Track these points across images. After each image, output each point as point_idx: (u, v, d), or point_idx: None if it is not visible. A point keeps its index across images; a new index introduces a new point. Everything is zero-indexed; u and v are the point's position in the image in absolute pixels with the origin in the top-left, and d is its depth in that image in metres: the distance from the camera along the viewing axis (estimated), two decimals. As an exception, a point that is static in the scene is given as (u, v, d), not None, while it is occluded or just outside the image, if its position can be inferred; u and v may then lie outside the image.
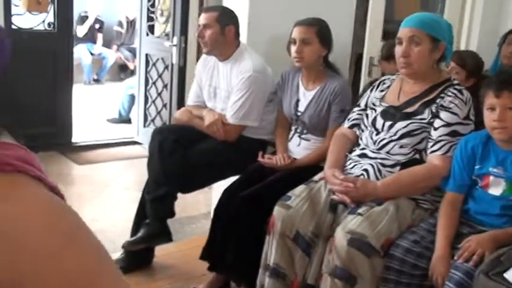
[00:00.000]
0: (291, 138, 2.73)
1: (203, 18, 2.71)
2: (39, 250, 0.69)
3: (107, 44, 8.36)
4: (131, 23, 8.46)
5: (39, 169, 0.82)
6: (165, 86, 4.72)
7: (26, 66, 4.14)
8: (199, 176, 2.71)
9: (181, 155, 2.64)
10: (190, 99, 2.96)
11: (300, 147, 2.67)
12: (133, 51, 8.51)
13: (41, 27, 4.53)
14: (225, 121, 2.72)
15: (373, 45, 3.50)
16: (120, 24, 8.41)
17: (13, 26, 4.28)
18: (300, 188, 2.24)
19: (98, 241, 0.79)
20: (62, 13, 4.58)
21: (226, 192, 2.55)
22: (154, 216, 2.60)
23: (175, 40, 4.52)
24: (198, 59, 4.75)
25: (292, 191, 2.24)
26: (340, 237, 1.95)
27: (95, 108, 6.52)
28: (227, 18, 2.71)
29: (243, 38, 2.88)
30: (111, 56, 8.30)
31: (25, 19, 4.46)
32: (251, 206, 2.38)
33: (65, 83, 4.70)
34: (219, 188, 3.10)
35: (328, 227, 2.13)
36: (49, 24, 4.55)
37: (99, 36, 8.22)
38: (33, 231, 0.70)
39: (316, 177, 2.33)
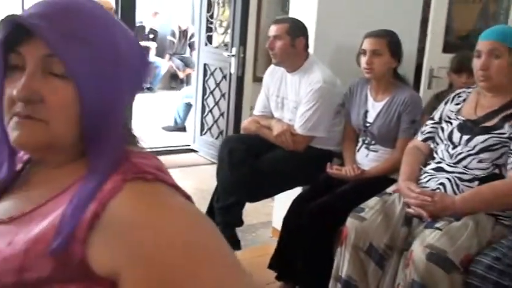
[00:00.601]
0: (359, 149, 2.72)
1: (274, 30, 2.74)
2: (176, 262, 0.72)
3: (159, 53, 8.54)
4: (183, 33, 8.62)
5: (172, 178, 0.86)
6: (223, 95, 4.78)
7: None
8: (267, 186, 2.74)
9: (250, 164, 2.68)
10: (257, 109, 3.00)
11: (368, 159, 2.67)
12: (184, 61, 8.67)
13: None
14: (294, 131, 2.74)
15: (433, 56, 3.46)
16: (173, 34, 8.57)
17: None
18: (374, 200, 2.23)
19: (232, 252, 0.81)
20: (126, 23, 4.69)
21: (296, 202, 2.56)
22: (224, 224, 2.63)
23: (234, 50, 4.58)
24: (255, 68, 4.85)
25: (365, 203, 2.23)
26: (419, 251, 1.93)
27: (149, 116, 6.65)
28: (297, 30, 2.74)
29: (310, 48, 2.90)
30: (164, 65, 8.47)
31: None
32: (321, 216, 2.38)
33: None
34: (280, 197, 3.13)
35: (403, 241, 2.12)
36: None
37: (153, 45, 8.40)
38: (173, 243, 0.73)
39: (389, 190, 2.32)
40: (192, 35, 8.66)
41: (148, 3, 8.39)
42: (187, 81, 8.60)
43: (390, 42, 2.59)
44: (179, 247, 0.73)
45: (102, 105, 0.79)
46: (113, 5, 4.47)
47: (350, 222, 2.18)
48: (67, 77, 0.77)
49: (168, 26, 8.68)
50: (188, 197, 0.84)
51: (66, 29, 0.76)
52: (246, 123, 2.98)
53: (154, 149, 5.23)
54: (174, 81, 8.86)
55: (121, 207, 0.73)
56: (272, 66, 2.92)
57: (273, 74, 2.92)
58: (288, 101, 2.84)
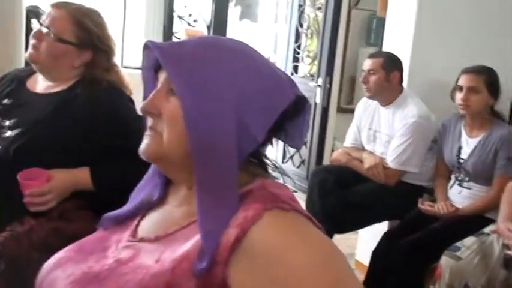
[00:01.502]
0: (451, 186, 2.67)
1: (368, 64, 2.77)
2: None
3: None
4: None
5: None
6: (307, 124, 4.81)
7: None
8: (356, 218, 2.74)
9: (339, 195, 2.70)
10: (347, 141, 3.02)
11: (461, 196, 2.61)
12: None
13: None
14: (386, 165, 2.74)
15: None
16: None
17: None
18: (470, 240, 2.19)
19: (359, 283, 0.85)
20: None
21: (386, 236, 2.55)
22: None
23: (320, 80, 4.64)
24: (339, 99, 4.88)
25: (461, 242, 2.19)
26: (520, 295, 1.88)
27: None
28: (392, 64, 2.76)
29: (404, 82, 2.90)
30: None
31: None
32: (413, 253, 2.35)
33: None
34: (365, 230, 3.11)
35: (502, 284, 2.06)
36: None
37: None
38: (308, 271, 0.77)
39: (487, 230, 2.27)
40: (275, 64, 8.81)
41: (234, 32, 8.63)
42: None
43: (488, 79, 2.56)
44: (315, 275, 0.77)
45: (204, 127, 0.82)
46: (205, 34, 4.67)
47: (445, 260, 2.15)
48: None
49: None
50: (320, 228, 0.88)
51: (182, 56, 0.84)
52: (336, 154, 3.01)
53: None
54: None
55: (261, 234, 0.78)
56: (365, 98, 2.94)
57: (366, 106, 2.94)
58: (380, 134, 2.85)
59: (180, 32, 4.50)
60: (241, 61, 0.87)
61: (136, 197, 1.00)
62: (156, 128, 0.87)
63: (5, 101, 1.75)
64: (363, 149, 2.93)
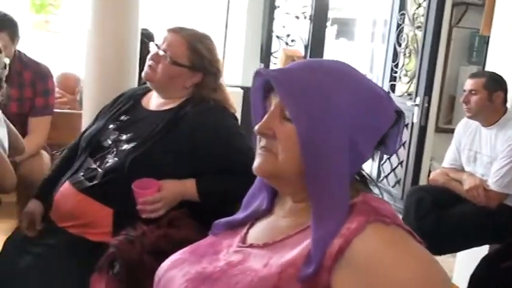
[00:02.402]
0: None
1: (470, 84, 2.73)
2: None
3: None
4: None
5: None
6: (403, 144, 4.76)
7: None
8: (454, 240, 2.69)
9: (437, 216, 2.66)
10: (446, 162, 2.97)
11: None
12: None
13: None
14: (487, 187, 2.67)
15: None
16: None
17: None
18: None
19: None
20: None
21: (485, 261, 2.48)
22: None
23: (418, 100, 4.56)
24: (437, 119, 4.77)
25: None
26: None
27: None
28: (495, 85, 2.70)
29: (508, 103, 2.81)
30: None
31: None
32: (514, 278, 2.28)
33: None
34: (463, 253, 3.02)
35: None
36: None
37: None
38: (409, 286, 0.81)
39: None
40: (370, 82, 8.75)
41: (330, 51, 8.68)
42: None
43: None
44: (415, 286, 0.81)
45: (319, 150, 0.89)
46: (302, 53, 4.77)
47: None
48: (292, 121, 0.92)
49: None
50: (421, 243, 0.91)
51: (296, 82, 0.92)
52: (434, 174, 2.97)
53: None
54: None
55: (364, 245, 0.84)
56: (465, 118, 2.89)
57: (467, 126, 2.89)
58: (481, 155, 2.78)
59: (278, 52, 4.62)
60: (349, 85, 0.93)
61: (247, 207, 1.08)
62: (270, 148, 0.95)
63: (123, 117, 1.92)
64: (462, 170, 2.87)
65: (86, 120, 2.29)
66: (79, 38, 6.72)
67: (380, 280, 0.82)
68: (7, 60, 1.93)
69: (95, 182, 1.77)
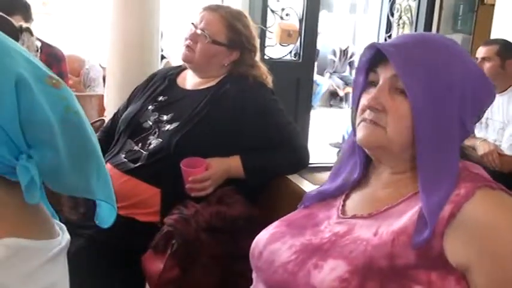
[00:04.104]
0: None
1: (482, 52, 2.78)
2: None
3: (320, 72, 8.78)
4: (344, 52, 8.80)
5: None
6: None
7: (275, 92, 4.56)
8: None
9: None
10: (457, 129, 3.03)
11: None
12: (344, 79, 8.84)
13: (288, 57, 4.98)
14: (501, 152, 2.74)
15: None
16: (334, 53, 8.78)
17: (265, 56, 4.76)
18: None
19: None
20: (308, 44, 4.97)
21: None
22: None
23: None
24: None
25: None
26: None
27: (314, 132, 6.86)
28: (508, 52, 2.76)
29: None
30: (325, 83, 8.70)
31: (275, 50, 4.93)
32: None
33: (305, 109, 5.07)
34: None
35: None
36: (295, 55, 4.97)
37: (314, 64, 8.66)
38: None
39: None
40: (353, 54, 8.80)
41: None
42: (346, 99, 8.75)
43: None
44: None
45: (433, 122, 0.93)
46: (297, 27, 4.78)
47: None
48: (405, 94, 0.94)
49: (329, 45, 8.91)
50: None
51: (411, 57, 0.94)
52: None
53: (324, 164, 5.42)
54: (333, 99, 9.04)
55: (475, 210, 0.88)
56: (475, 86, 2.95)
57: (477, 94, 2.95)
58: (493, 121, 2.85)
59: (274, 26, 4.61)
60: (459, 62, 0.97)
61: (337, 177, 1.11)
62: (378, 122, 0.97)
63: (160, 98, 1.91)
64: (473, 136, 2.94)
65: (111, 104, 2.29)
66: (75, 20, 6.55)
67: (492, 242, 0.86)
68: (39, 44, 1.90)
69: (140, 163, 1.77)
